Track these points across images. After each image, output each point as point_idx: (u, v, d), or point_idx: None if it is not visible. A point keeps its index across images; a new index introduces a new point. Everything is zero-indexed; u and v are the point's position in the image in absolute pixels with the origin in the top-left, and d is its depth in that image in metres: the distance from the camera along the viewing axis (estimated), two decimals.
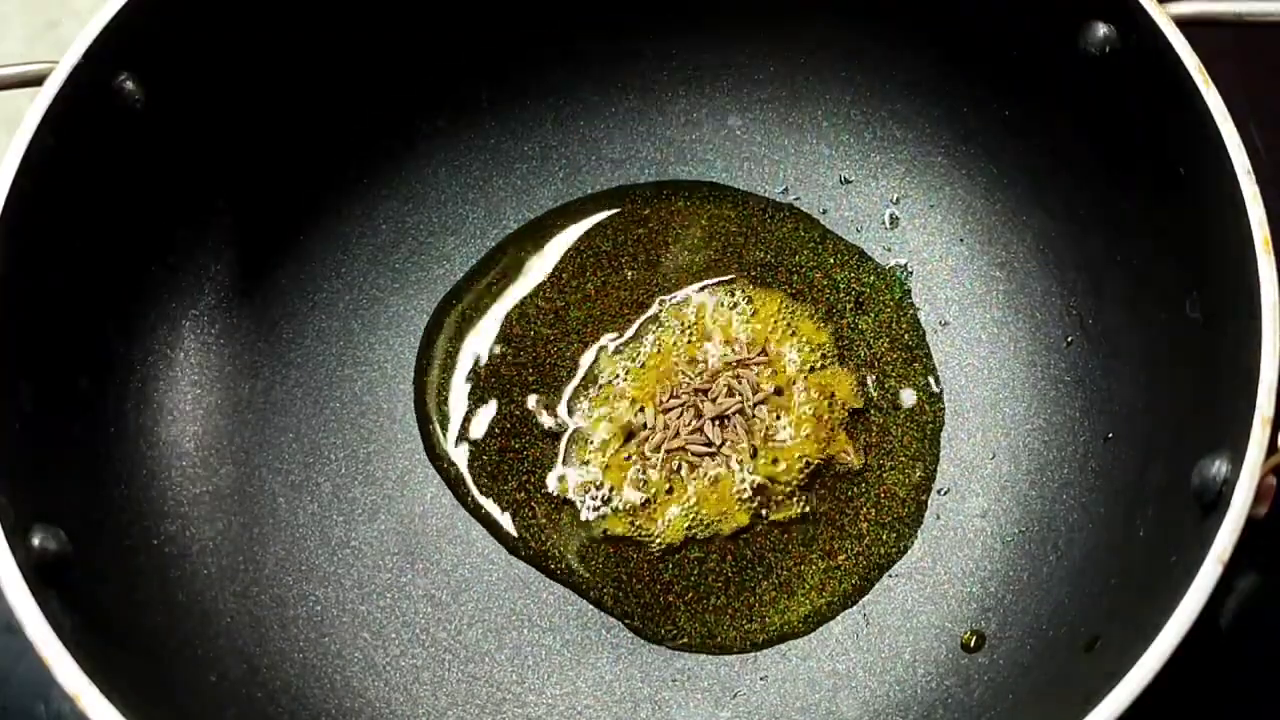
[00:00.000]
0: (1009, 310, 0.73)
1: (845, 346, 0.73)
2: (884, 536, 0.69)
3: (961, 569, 0.68)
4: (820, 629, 0.67)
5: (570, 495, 0.70)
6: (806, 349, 0.72)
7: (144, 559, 0.65)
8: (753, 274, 0.74)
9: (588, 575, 0.69)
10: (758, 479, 0.69)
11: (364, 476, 0.71)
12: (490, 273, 0.75)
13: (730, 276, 0.74)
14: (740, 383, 0.71)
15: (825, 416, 0.70)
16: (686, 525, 0.69)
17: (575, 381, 0.72)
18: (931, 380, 0.72)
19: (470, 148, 0.77)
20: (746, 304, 0.73)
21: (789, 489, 0.69)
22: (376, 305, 0.75)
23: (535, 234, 0.76)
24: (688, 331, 0.73)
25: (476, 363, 0.73)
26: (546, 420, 0.72)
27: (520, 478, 0.71)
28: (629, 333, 0.73)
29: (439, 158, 0.77)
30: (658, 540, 0.69)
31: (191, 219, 0.70)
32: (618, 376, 0.72)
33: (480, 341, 0.74)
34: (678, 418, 0.70)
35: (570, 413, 0.72)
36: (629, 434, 0.70)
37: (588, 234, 0.76)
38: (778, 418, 0.70)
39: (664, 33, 0.76)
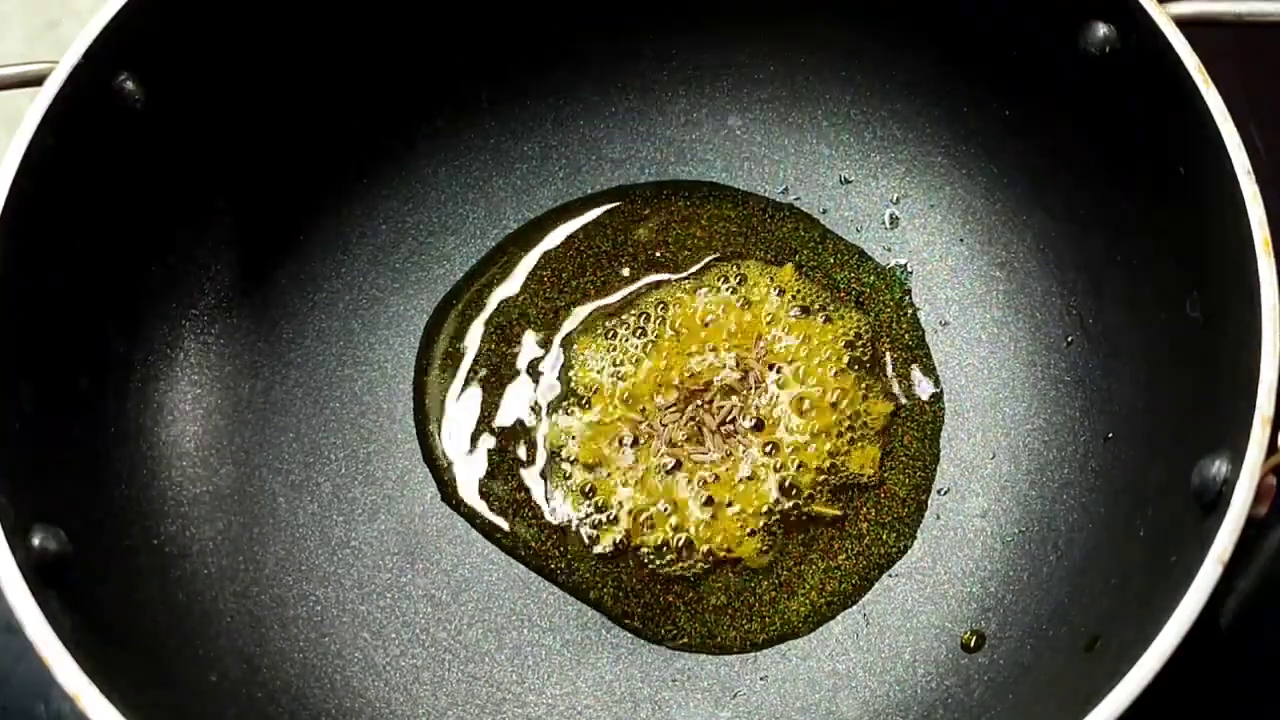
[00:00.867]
0: (1009, 310, 0.73)
1: (845, 346, 0.73)
2: (884, 536, 0.69)
3: (961, 569, 0.68)
4: (820, 629, 0.67)
5: (569, 504, 0.70)
6: (807, 350, 0.72)
7: (144, 559, 0.65)
8: (752, 274, 0.74)
9: (587, 575, 0.69)
10: (773, 497, 0.69)
11: (364, 476, 0.71)
12: (489, 272, 0.75)
13: (730, 277, 0.74)
14: (743, 389, 0.71)
15: (835, 424, 0.70)
16: (690, 543, 0.69)
17: (575, 383, 0.72)
18: (931, 380, 0.72)
19: (470, 148, 0.77)
20: (744, 307, 0.73)
21: (806, 507, 0.69)
22: (376, 305, 0.75)
23: (535, 234, 0.76)
24: (687, 332, 0.73)
25: (475, 363, 0.73)
26: (546, 422, 0.72)
27: (518, 478, 0.71)
28: (629, 333, 0.73)
29: (439, 158, 0.77)
30: (657, 559, 0.69)
31: (191, 219, 0.70)
32: (617, 379, 0.72)
33: (479, 341, 0.74)
34: (680, 427, 0.70)
35: (569, 415, 0.72)
36: (634, 439, 0.70)
37: (587, 233, 0.76)
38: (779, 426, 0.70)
39: (664, 33, 0.76)
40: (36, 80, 0.62)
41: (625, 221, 0.76)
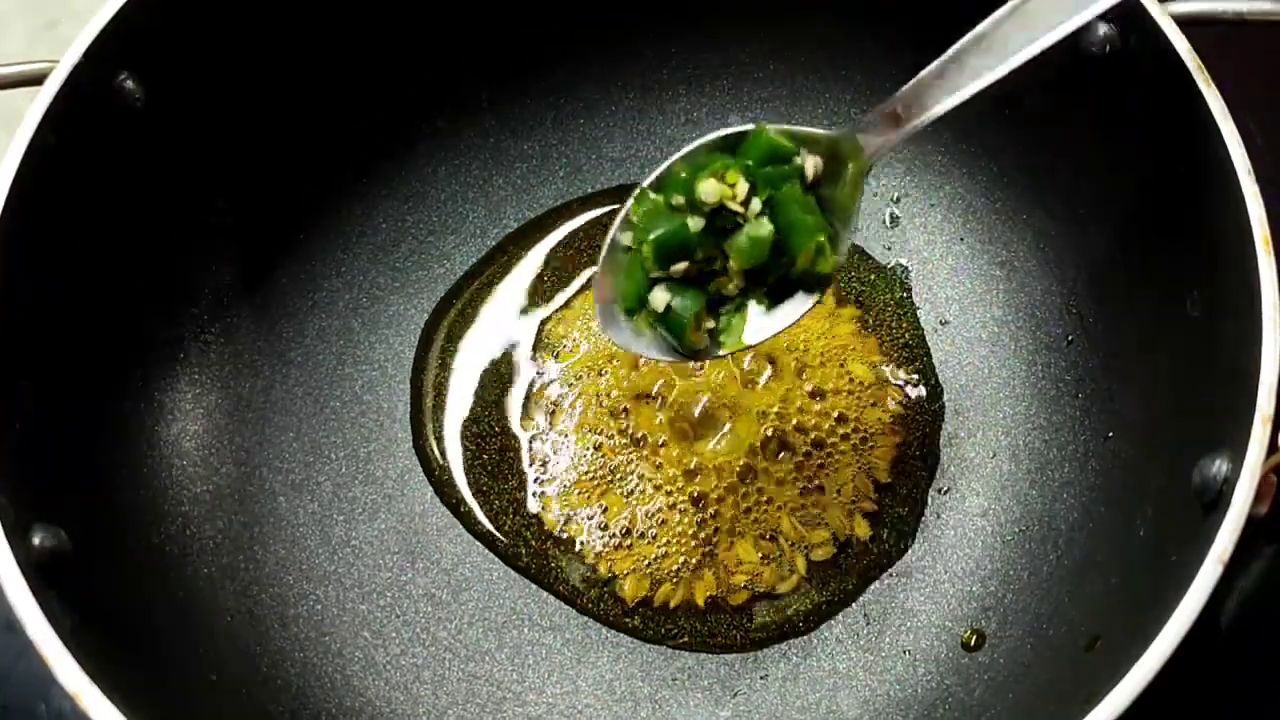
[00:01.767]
0: (1009, 309, 0.73)
1: (845, 346, 0.73)
2: (884, 536, 0.69)
3: (961, 568, 0.68)
4: (820, 628, 0.67)
5: (568, 507, 0.70)
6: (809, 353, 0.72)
7: (144, 558, 0.65)
8: None
9: (579, 583, 0.69)
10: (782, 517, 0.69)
11: (364, 476, 0.71)
12: (489, 271, 0.75)
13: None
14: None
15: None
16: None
17: (574, 382, 0.72)
18: (932, 380, 0.72)
19: (470, 148, 0.77)
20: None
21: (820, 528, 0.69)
22: (377, 304, 0.75)
23: (536, 233, 0.76)
24: None
25: (474, 363, 0.73)
26: (545, 424, 0.72)
27: (517, 478, 0.71)
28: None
29: (439, 158, 0.77)
30: (656, 562, 0.69)
31: (191, 219, 0.70)
32: (616, 381, 0.72)
33: (478, 341, 0.74)
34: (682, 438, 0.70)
35: (568, 418, 0.72)
36: (634, 441, 0.70)
37: (587, 233, 0.76)
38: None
39: (664, 33, 0.76)
40: (36, 80, 0.62)
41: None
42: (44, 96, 0.61)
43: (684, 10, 0.75)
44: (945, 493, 0.70)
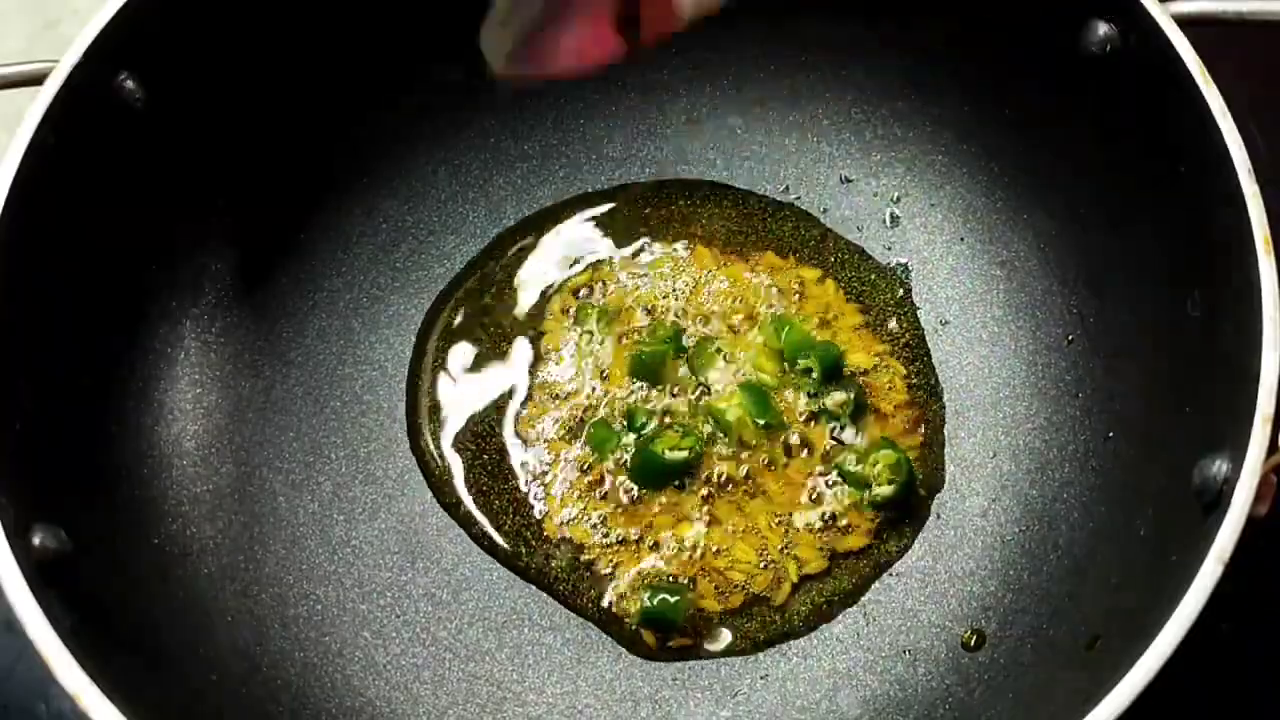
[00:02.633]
0: (1009, 309, 0.73)
1: (844, 343, 0.73)
2: (884, 537, 0.69)
3: (961, 568, 0.68)
4: (820, 628, 0.67)
5: (567, 511, 0.70)
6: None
7: (144, 558, 0.65)
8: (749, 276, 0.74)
9: (578, 584, 0.69)
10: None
11: (364, 475, 0.71)
12: (483, 271, 0.75)
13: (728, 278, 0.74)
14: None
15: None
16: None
17: (573, 384, 0.72)
18: (931, 380, 0.72)
19: (470, 148, 0.77)
20: (737, 302, 0.73)
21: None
22: (377, 304, 0.75)
23: (535, 232, 0.76)
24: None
25: (472, 363, 0.73)
26: (545, 423, 0.72)
27: (517, 478, 0.71)
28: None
29: (439, 158, 0.77)
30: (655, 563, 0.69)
31: (191, 218, 0.70)
32: (617, 380, 0.72)
33: (477, 341, 0.74)
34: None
35: (568, 419, 0.72)
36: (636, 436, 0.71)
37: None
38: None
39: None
40: (37, 80, 0.62)
41: (625, 220, 0.76)
42: (44, 96, 0.61)
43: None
44: (945, 492, 0.70)
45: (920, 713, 0.65)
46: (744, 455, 0.69)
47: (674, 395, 0.71)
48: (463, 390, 0.73)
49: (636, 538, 0.69)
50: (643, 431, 0.70)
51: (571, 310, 0.74)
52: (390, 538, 0.70)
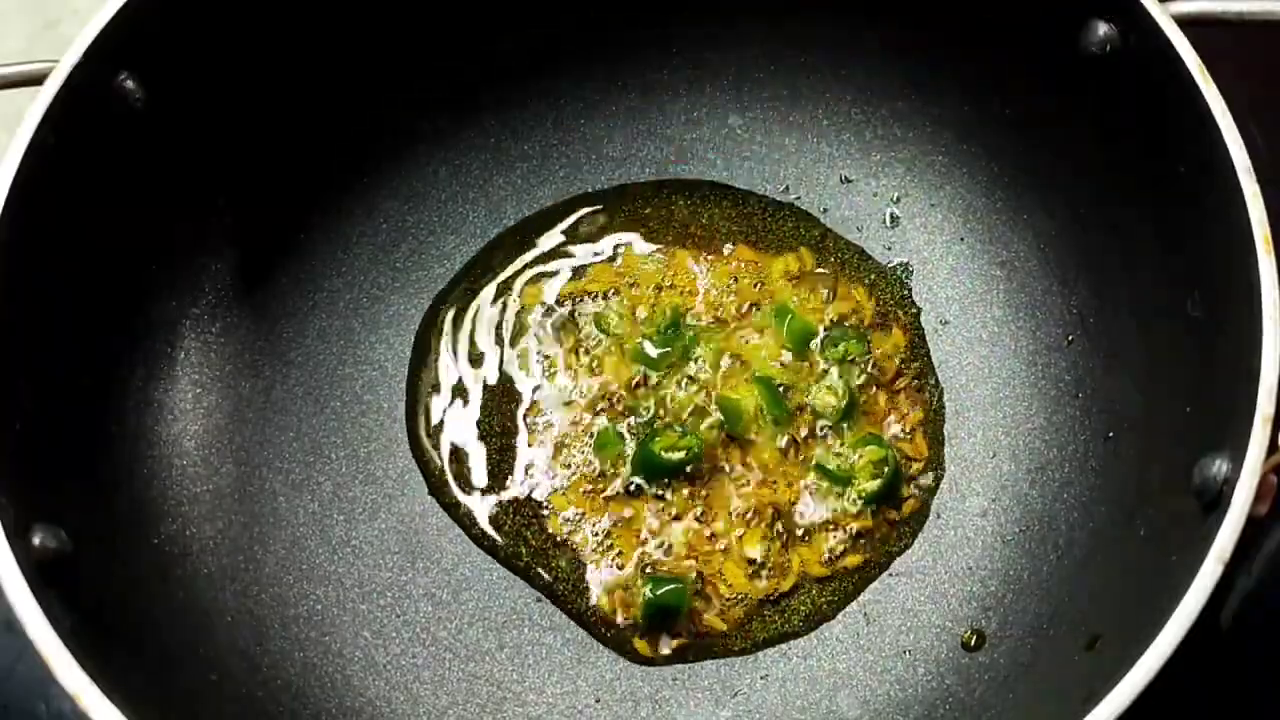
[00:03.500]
0: (1009, 309, 0.73)
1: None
2: (884, 537, 0.69)
3: (961, 568, 0.68)
4: (820, 628, 0.67)
5: (567, 512, 0.70)
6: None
7: (144, 558, 0.65)
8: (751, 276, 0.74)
9: (576, 585, 0.69)
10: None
11: (364, 475, 0.71)
12: (483, 271, 0.75)
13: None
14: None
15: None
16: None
17: (574, 384, 0.72)
18: (932, 380, 0.72)
19: (470, 148, 0.77)
20: (734, 300, 0.73)
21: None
22: (377, 304, 0.75)
23: (535, 233, 0.76)
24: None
25: (470, 364, 0.73)
26: (544, 424, 0.72)
27: (516, 479, 0.71)
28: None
29: (439, 158, 0.77)
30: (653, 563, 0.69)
31: (192, 219, 0.70)
32: (617, 379, 0.72)
33: (477, 343, 0.74)
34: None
35: (568, 419, 0.72)
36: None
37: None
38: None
39: (664, 33, 0.76)
40: (37, 80, 0.62)
41: (625, 220, 0.76)
42: (44, 96, 0.61)
43: (685, 10, 0.75)
44: (945, 492, 0.70)
45: (920, 713, 0.65)
46: (748, 456, 0.69)
47: (677, 387, 0.71)
48: (464, 390, 0.73)
49: (636, 540, 0.69)
50: (643, 428, 0.70)
51: (572, 309, 0.74)
52: (390, 538, 0.70)
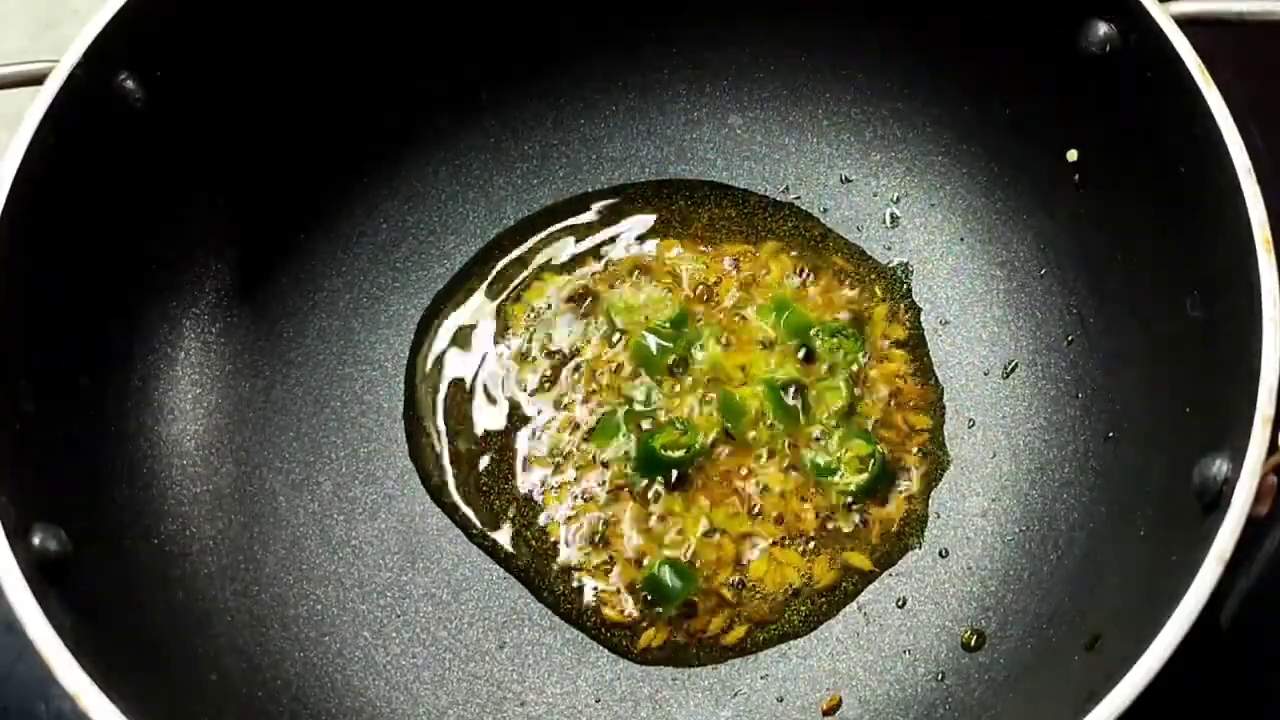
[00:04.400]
0: (1009, 309, 0.73)
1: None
2: (884, 536, 0.69)
3: (961, 568, 0.68)
4: (820, 628, 0.67)
5: (566, 512, 0.70)
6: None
7: (144, 558, 0.65)
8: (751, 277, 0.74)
9: (573, 589, 0.69)
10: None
11: (364, 475, 0.71)
12: (484, 271, 0.76)
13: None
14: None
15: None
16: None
17: (573, 384, 0.72)
18: (932, 380, 0.72)
19: (470, 147, 0.77)
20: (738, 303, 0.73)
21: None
22: (377, 304, 0.75)
23: (535, 233, 0.76)
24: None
25: (469, 364, 0.73)
26: (544, 424, 0.72)
27: (516, 479, 0.71)
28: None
29: (439, 158, 0.77)
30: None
31: (192, 219, 0.70)
32: (614, 380, 0.72)
33: (476, 342, 0.74)
34: None
35: (563, 418, 0.72)
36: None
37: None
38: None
39: (664, 32, 0.76)
40: (37, 79, 0.62)
41: (626, 219, 0.76)
42: (44, 96, 0.61)
43: (685, 9, 0.75)
44: (945, 492, 0.70)
45: (920, 713, 0.65)
46: (748, 455, 0.69)
47: (679, 384, 0.71)
48: (463, 390, 0.73)
49: (635, 539, 0.69)
50: (643, 425, 0.70)
51: (572, 309, 0.74)
52: (390, 538, 0.70)
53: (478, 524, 0.70)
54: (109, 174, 0.65)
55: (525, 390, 0.72)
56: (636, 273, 0.75)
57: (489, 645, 0.68)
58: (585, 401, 0.71)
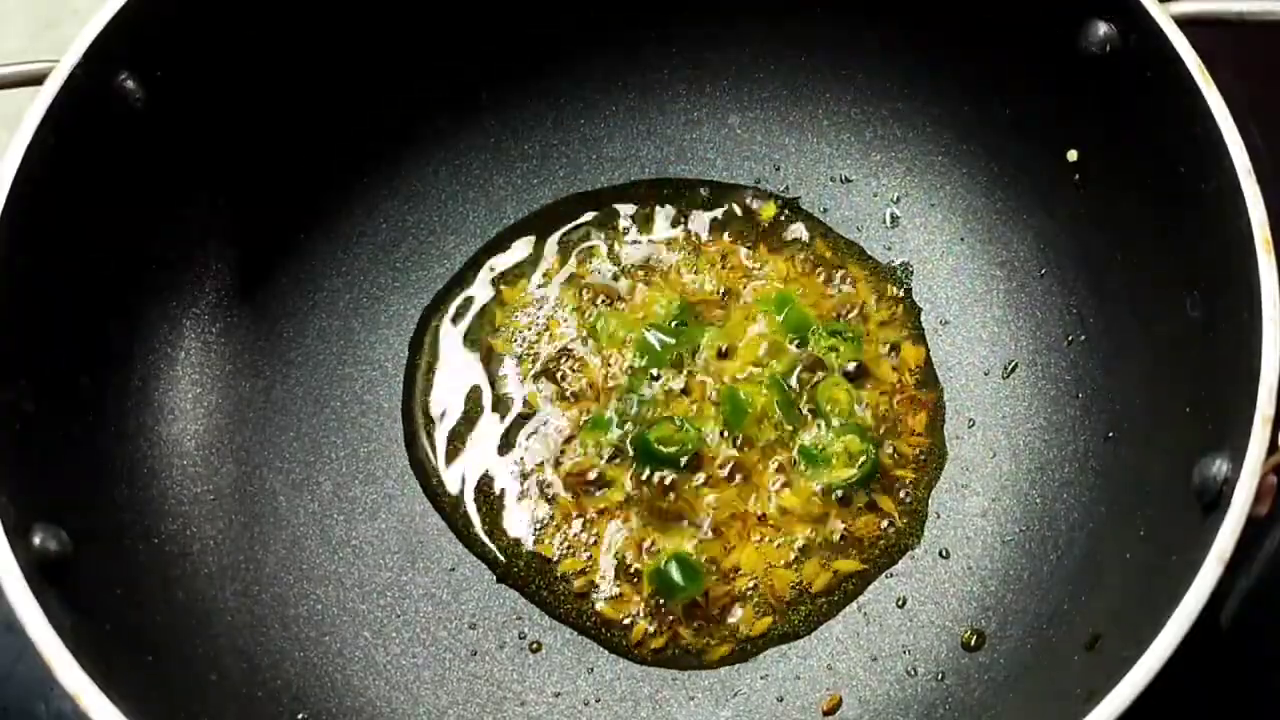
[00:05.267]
0: (1009, 309, 0.73)
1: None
2: (884, 536, 0.69)
3: (962, 568, 0.68)
4: (820, 628, 0.67)
5: (565, 513, 0.70)
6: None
7: (144, 558, 0.65)
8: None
9: (570, 593, 0.69)
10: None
11: (364, 475, 0.71)
12: (483, 271, 0.75)
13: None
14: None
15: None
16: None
17: (573, 384, 0.72)
18: (932, 380, 0.72)
19: (470, 147, 0.77)
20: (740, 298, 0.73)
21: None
22: (377, 304, 0.75)
23: (535, 233, 0.76)
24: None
25: (468, 364, 0.73)
26: (538, 424, 0.72)
27: (516, 479, 0.71)
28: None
29: (439, 158, 0.77)
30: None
31: (192, 219, 0.70)
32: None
33: (476, 341, 0.74)
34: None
35: (563, 418, 0.72)
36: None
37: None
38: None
39: (664, 32, 0.76)
40: (37, 79, 0.62)
41: (627, 219, 0.76)
42: (44, 96, 0.61)
43: (685, 9, 0.75)
44: (945, 492, 0.70)
45: (920, 713, 0.65)
46: (747, 454, 0.69)
47: (679, 379, 0.71)
48: (462, 390, 0.73)
49: (636, 540, 0.69)
50: (643, 422, 0.69)
51: (572, 308, 0.74)
52: (390, 538, 0.70)
53: (478, 524, 0.70)
54: (109, 174, 0.65)
55: (526, 388, 0.72)
56: (638, 271, 0.75)
57: (489, 645, 0.68)
58: (586, 399, 0.71)
